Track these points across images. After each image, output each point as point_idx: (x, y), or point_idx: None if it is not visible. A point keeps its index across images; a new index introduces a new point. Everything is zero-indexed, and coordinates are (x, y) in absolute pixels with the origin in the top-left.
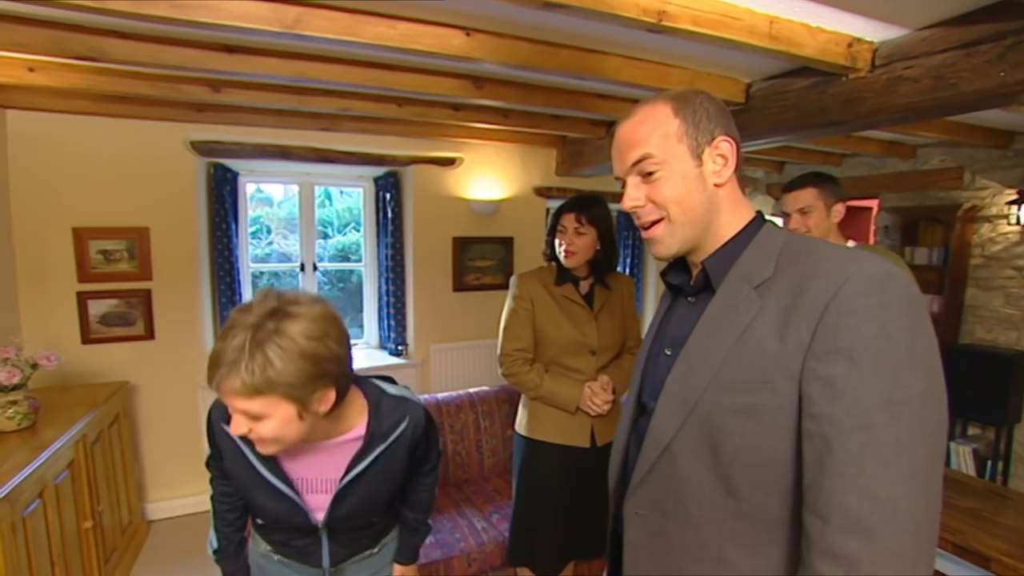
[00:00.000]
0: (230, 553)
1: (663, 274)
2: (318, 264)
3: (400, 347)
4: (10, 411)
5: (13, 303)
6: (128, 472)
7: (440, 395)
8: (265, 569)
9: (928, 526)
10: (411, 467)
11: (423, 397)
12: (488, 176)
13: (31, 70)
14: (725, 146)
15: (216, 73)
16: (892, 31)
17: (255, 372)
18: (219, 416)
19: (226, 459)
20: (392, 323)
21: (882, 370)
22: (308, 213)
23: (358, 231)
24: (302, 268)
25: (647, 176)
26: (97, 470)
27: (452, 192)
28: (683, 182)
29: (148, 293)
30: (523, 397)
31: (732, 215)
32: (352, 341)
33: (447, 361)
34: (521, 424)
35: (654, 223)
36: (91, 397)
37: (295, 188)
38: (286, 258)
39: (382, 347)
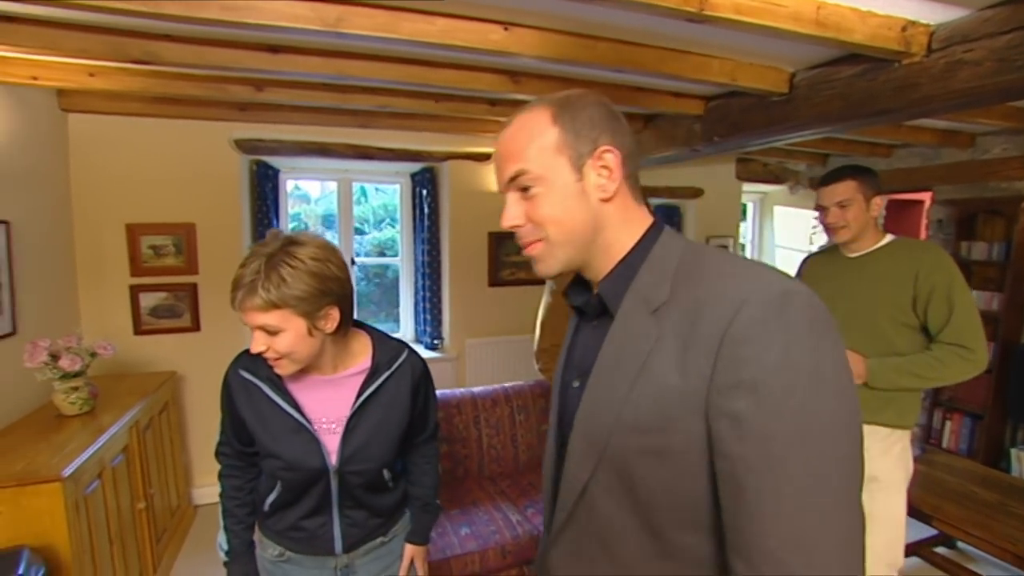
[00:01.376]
0: (241, 553)
1: (565, 294)
2: (355, 259)
3: (436, 341)
4: (72, 396)
5: (74, 296)
6: (176, 458)
7: (475, 389)
8: (276, 574)
9: (852, 553)
10: (413, 417)
11: (458, 391)
12: None
13: (91, 75)
14: (609, 157)
15: (260, 73)
16: (951, 12)
17: (270, 289)
18: (236, 367)
19: (242, 409)
20: (428, 318)
21: (788, 400)
22: (346, 209)
23: (394, 227)
24: None
25: (525, 192)
26: (148, 455)
27: (488, 187)
28: (562, 199)
29: (194, 287)
30: None
31: (623, 230)
32: (392, 333)
33: (482, 356)
34: None
35: (532, 243)
36: (143, 385)
37: (332, 185)
38: None
39: (418, 341)
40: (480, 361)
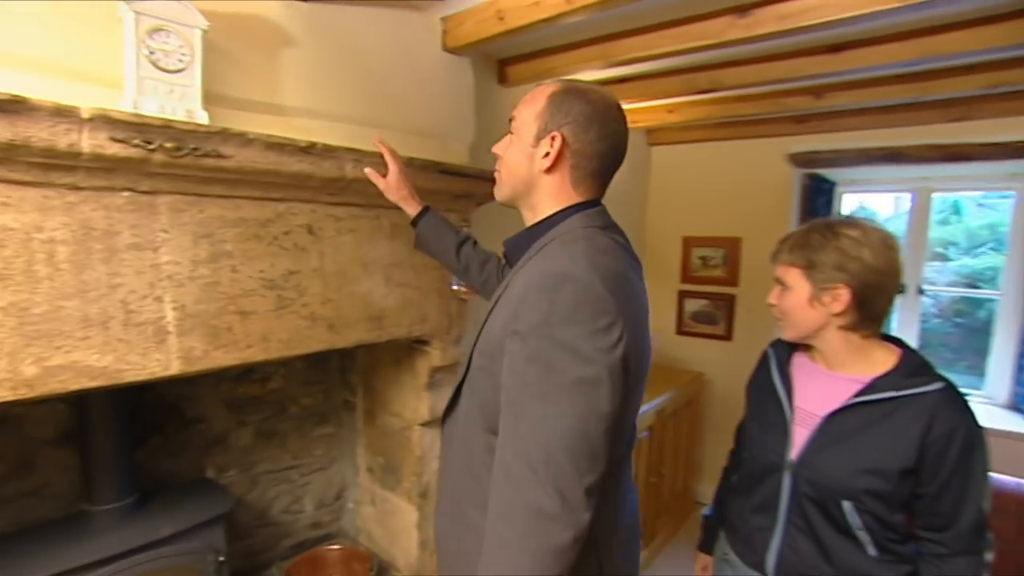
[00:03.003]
0: (715, 521)
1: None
2: (925, 289)
3: None
4: None
5: None
6: (690, 452)
7: None
8: (720, 572)
9: (554, 486)
10: (915, 475)
11: None
12: None
13: (669, 112)
14: (554, 142)
15: (820, 78)
16: None
17: (794, 249)
18: (772, 345)
19: (753, 380)
20: None
21: (540, 355)
22: (919, 226)
23: (998, 252)
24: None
25: (510, 134)
26: (666, 440)
27: None
28: (516, 151)
29: (732, 298)
30: None
31: (548, 200)
32: (969, 394)
33: None
34: None
35: (496, 170)
36: (675, 379)
37: (906, 203)
38: None
39: (1016, 408)
40: None
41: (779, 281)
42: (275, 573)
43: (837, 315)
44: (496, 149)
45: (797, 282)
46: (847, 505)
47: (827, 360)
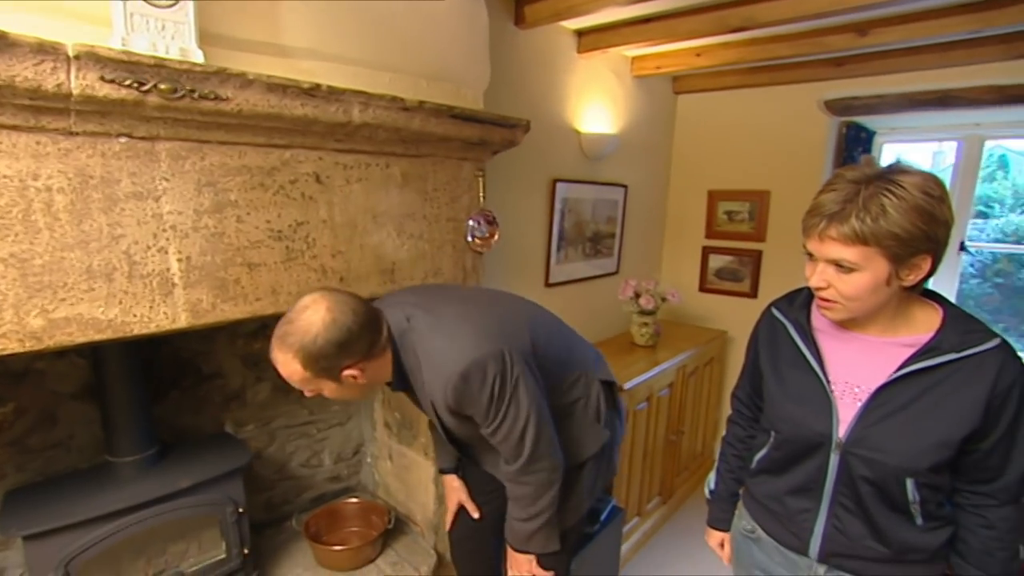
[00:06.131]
0: (722, 498)
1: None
2: (968, 244)
3: None
4: (643, 330)
5: (659, 249)
6: (710, 410)
7: None
8: (742, 549)
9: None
10: (978, 436)
11: None
12: None
13: (698, 55)
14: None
15: (866, 10)
16: None
17: (865, 220)
18: (771, 305)
19: (761, 350)
20: None
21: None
22: (967, 177)
23: None
24: None
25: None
26: (687, 397)
27: None
28: None
29: (759, 254)
30: None
31: None
32: None
33: None
34: None
35: None
36: (696, 337)
37: (949, 156)
38: None
39: None
40: None
41: (836, 263)
42: (295, 524)
43: (910, 287)
44: None
45: (869, 261)
46: (910, 483)
47: (862, 324)
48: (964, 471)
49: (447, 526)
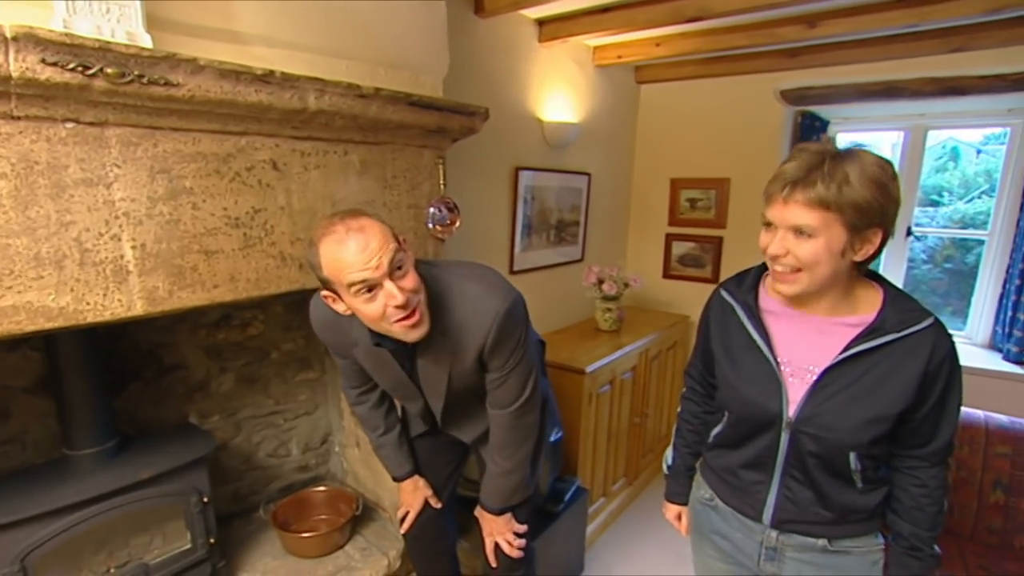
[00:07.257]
0: (679, 473)
1: None
2: (914, 230)
3: None
4: (607, 315)
5: (624, 236)
6: (674, 394)
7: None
8: (701, 517)
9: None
10: (910, 411)
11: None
12: None
13: (657, 45)
14: None
15: (813, 3)
16: None
17: (830, 186)
18: (720, 286)
19: (712, 330)
20: (1020, 317)
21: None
22: (912, 165)
23: (992, 197)
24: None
25: None
26: (651, 381)
27: None
28: None
29: (719, 240)
30: None
31: None
32: (954, 334)
33: None
34: None
35: None
36: (659, 322)
37: (898, 144)
38: None
39: (994, 347)
40: None
41: (797, 228)
42: (262, 514)
43: (861, 261)
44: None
45: (826, 226)
46: (853, 455)
47: (810, 303)
48: (900, 439)
49: (404, 529)
